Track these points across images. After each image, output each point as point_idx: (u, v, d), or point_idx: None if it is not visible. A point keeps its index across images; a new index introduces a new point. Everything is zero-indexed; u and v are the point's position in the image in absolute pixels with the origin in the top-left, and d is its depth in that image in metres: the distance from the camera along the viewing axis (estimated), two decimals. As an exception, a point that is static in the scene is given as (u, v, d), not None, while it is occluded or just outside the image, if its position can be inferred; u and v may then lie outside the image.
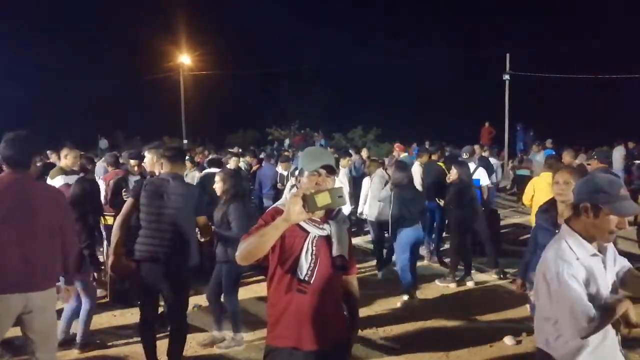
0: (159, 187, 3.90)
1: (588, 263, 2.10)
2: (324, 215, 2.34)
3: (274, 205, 2.42)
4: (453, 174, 6.41)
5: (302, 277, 2.29)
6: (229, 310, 4.72)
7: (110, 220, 5.52)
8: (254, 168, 9.96)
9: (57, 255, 3.29)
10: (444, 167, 8.14)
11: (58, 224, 3.27)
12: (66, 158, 5.90)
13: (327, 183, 2.30)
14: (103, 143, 23.50)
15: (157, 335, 4.16)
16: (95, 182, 5.18)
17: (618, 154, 13.79)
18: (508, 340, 4.66)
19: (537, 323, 2.30)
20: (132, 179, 5.67)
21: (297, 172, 2.47)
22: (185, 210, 3.89)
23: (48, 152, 11.54)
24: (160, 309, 4.52)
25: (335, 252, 2.36)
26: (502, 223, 9.25)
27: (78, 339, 4.61)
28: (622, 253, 7.55)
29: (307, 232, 2.31)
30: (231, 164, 8.49)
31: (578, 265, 2.07)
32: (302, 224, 2.24)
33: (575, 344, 2.11)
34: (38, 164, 3.43)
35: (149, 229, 3.85)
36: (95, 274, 4.58)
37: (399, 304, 5.78)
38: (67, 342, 4.62)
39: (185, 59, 27.71)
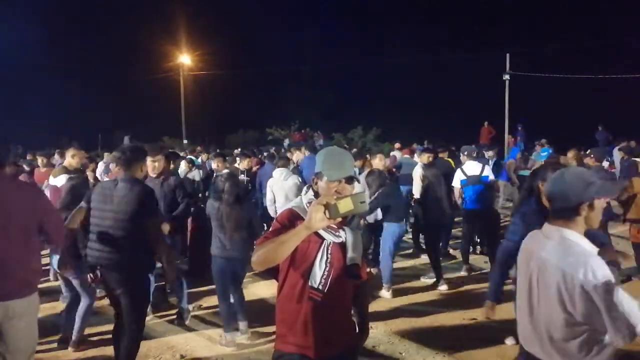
0: (106, 191, 3.82)
1: None
2: (340, 221, 2.25)
3: (288, 207, 2.38)
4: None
5: (315, 285, 2.25)
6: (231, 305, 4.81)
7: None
8: (255, 168, 9.94)
9: (36, 260, 3.14)
10: (452, 163, 8.16)
11: (36, 225, 3.08)
12: (73, 158, 5.97)
13: (347, 190, 2.25)
14: (127, 140, 23.34)
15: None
16: (87, 181, 5.17)
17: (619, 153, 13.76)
18: (508, 340, 4.65)
19: (557, 345, 2.11)
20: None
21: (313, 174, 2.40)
22: (128, 213, 3.69)
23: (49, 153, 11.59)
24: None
25: (349, 260, 2.32)
26: (504, 223, 9.24)
27: (74, 336, 4.62)
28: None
29: (322, 239, 2.27)
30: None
31: None
32: (318, 230, 2.16)
33: (608, 352, 2.06)
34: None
35: (94, 233, 3.79)
36: (91, 275, 4.53)
37: (380, 294, 5.97)
38: (64, 341, 4.63)
39: (185, 59, 27.75)
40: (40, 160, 8.44)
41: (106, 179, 6.73)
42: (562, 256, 2.07)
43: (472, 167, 7.01)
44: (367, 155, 7.99)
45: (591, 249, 2.11)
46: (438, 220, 6.64)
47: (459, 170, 7.17)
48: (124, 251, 3.71)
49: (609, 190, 2.16)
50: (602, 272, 1.97)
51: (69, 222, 4.01)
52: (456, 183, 7.10)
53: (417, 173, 7.79)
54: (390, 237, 6.10)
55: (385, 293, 6.03)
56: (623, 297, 1.95)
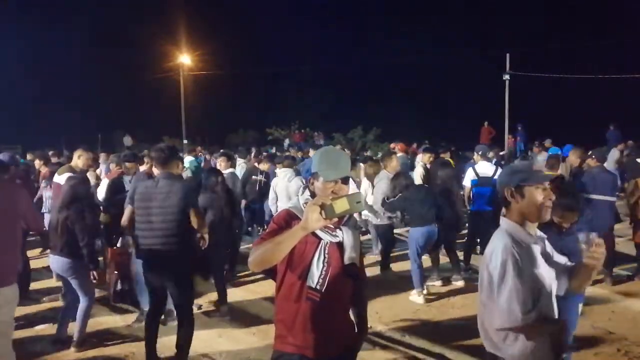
0: (148, 189, 4.07)
1: (531, 250, 2.19)
2: (337, 220, 2.26)
3: (285, 208, 2.39)
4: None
5: (313, 285, 2.25)
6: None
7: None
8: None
9: (18, 249, 3.49)
10: (452, 163, 8.10)
11: (18, 216, 3.44)
12: (79, 159, 6.09)
13: (343, 190, 2.24)
14: (127, 140, 23.34)
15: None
16: (87, 180, 5.22)
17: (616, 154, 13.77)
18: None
19: (484, 329, 2.24)
20: (127, 179, 5.95)
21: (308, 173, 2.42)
22: (171, 207, 3.97)
23: (50, 152, 11.59)
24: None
25: (347, 260, 2.32)
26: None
27: (75, 336, 4.61)
28: (622, 255, 7.49)
29: (319, 239, 2.27)
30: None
31: (523, 253, 2.12)
32: (315, 230, 2.14)
33: (522, 341, 2.12)
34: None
35: (143, 229, 4.04)
36: (94, 273, 4.60)
37: (410, 298, 5.87)
38: (64, 342, 4.64)
39: (185, 59, 27.74)
40: (37, 162, 8.42)
41: (106, 179, 6.77)
42: (490, 241, 2.25)
43: (484, 168, 6.87)
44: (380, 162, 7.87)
45: (510, 233, 2.18)
46: (454, 220, 6.58)
47: (470, 170, 7.02)
48: (172, 244, 3.98)
49: (537, 178, 2.26)
50: (503, 257, 2.08)
51: (123, 220, 4.34)
52: (467, 182, 6.99)
53: (418, 173, 7.76)
54: (414, 242, 5.95)
55: (416, 297, 5.86)
56: (510, 289, 2.05)
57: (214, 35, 28.81)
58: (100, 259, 6.42)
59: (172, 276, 4.04)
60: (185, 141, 24.97)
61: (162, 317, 4.80)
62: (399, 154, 10.40)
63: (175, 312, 5.22)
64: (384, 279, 6.71)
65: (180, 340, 4.13)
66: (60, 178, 5.70)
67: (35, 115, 25.46)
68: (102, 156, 12.08)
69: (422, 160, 8.23)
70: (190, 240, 4.18)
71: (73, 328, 4.70)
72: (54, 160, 10.31)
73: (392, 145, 13.67)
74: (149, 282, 4.17)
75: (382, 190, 6.57)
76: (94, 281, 4.64)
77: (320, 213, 1.90)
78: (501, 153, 14.14)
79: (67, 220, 4.49)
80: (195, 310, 5.54)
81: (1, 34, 25.32)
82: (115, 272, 5.66)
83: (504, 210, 2.32)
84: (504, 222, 2.27)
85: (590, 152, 6.58)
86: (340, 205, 1.92)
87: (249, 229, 8.82)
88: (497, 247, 2.13)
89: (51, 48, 27.38)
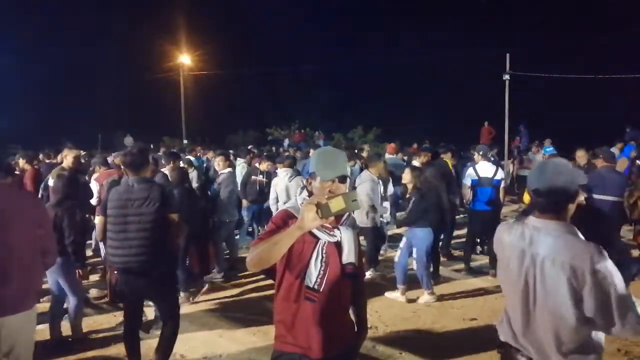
0: (122, 195, 3.82)
1: None
2: (334, 220, 2.27)
3: (283, 208, 2.39)
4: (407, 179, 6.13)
5: (311, 285, 2.25)
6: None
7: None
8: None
9: (38, 270, 3.03)
10: (450, 164, 8.08)
11: (38, 235, 2.94)
12: (66, 158, 6.02)
13: (340, 190, 2.24)
14: (128, 140, 23.30)
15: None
16: (80, 178, 5.22)
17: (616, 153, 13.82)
18: (508, 340, 4.65)
19: (564, 344, 2.08)
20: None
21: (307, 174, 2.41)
22: (150, 213, 3.75)
23: (50, 152, 11.56)
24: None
25: (345, 260, 2.32)
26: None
27: (72, 337, 4.63)
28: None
29: (317, 238, 2.27)
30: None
31: None
32: (313, 229, 2.17)
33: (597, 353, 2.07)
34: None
35: (118, 239, 3.77)
36: (80, 271, 4.58)
37: (420, 300, 5.85)
38: (63, 343, 4.63)
39: (185, 59, 27.74)
40: (21, 161, 8.05)
41: (93, 181, 6.72)
42: (566, 251, 2.02)
43: (485, 168, 6.86)
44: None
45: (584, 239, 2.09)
46: (439, 221, 6.53)
47: (470, 169, 6.99)
48: (153, 253, 3.74)
49: (583, 178, 2.16)
50: (610, 262, 1.95)
51: (98, 234, 4.06)
52: (467, 181, 6.96)
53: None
54: (421, 243, 5.91)
55: (427, 298, 5.83)
56: (629, 290, 1.96)
57: (214, 35, 28.76)
58: (101, 258, 6.45)
59: (153, 289, 3.85)
60: (185, 141, 24.97)
61: (146, 325, 4.71)
62: (389, 156, 10.36)
63: (158, 319, 5.14)
64: (383, 278, 6.72)
65: (163, 346, 3.93)
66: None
67: (35, 116, 25.43)
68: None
69: (418, 160, 8.25)
70: (168, 248, 3.93)
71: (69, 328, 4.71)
72: (55, 160, 10.28)
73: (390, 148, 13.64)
74: (124, 296, 3.93)
75: (365, 192, 6.53)
76: (79, 279, 4.62)
77: (317, 212, 1.90)
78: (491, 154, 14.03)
79: (56, 217, 4.46)
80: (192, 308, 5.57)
81: (1, 33, 25.30)
82: (115, 271, 5.64)
83: (548, 214, 2.14)
84: (568, 226, 2.10)
85: (599, 152, 6.59)
86: (336, 204, 1.91)
87: (250, 229, 8.82)
88: (600, 253, 1.96)
89: (50, 48, 27.34)
